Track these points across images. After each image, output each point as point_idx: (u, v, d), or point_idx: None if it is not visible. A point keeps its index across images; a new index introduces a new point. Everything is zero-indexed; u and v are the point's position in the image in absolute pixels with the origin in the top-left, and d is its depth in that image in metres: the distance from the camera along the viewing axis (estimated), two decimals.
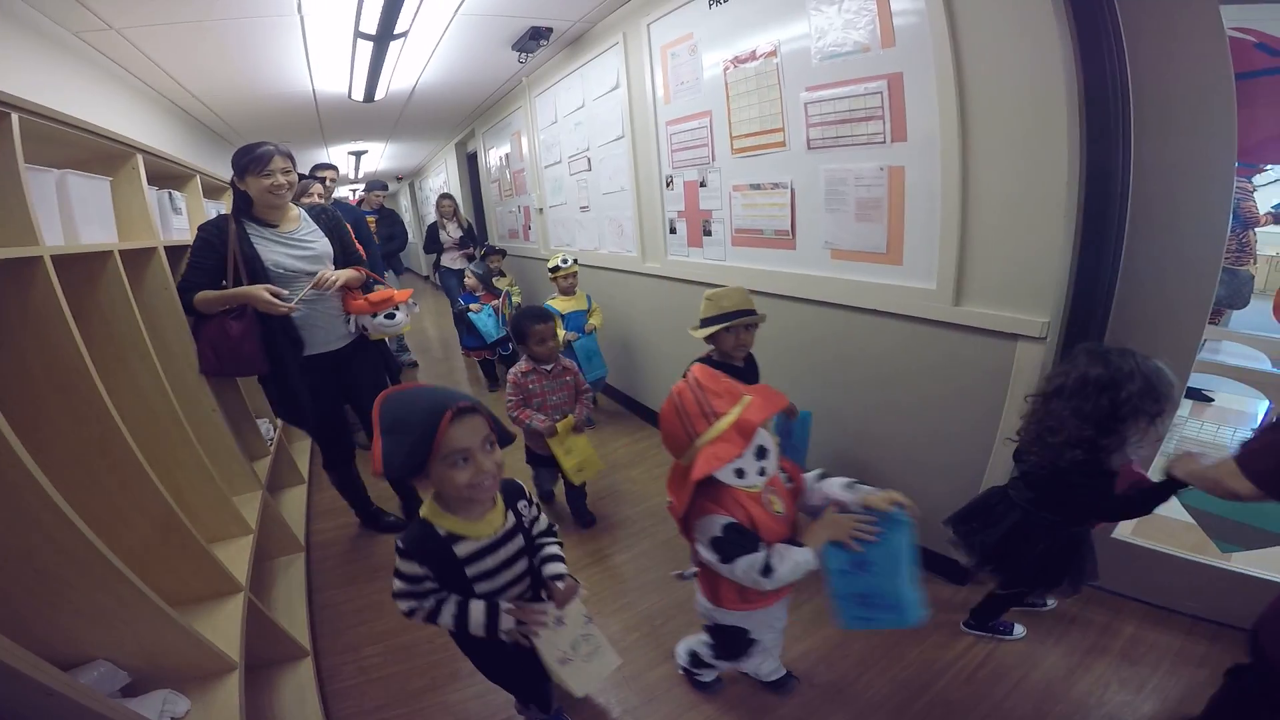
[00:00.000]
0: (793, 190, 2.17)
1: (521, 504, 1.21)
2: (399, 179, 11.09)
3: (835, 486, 1.20)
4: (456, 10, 2.74)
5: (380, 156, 7.65)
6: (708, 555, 1.16)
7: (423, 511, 1.10)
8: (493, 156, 5.61)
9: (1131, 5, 1.40)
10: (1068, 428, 1.28)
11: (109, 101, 2.71)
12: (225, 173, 2.44)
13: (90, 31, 2.35)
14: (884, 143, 1.80)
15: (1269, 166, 1.77)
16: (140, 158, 1.80)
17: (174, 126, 3.55)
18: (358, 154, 6.95)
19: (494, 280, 4.55)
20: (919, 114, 1.70)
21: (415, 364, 5.29)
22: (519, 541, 1.18)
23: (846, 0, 1.80)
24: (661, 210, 2.97)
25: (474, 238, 5.35)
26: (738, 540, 1.12)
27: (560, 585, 1.18)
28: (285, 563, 2.18)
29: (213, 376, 1.94)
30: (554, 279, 3.45)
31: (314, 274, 2.03)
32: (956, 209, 1.65)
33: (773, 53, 2.10)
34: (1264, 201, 1.86)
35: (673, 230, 2.94)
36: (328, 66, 3.35)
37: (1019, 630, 1.70)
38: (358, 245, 2.45)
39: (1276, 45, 1.48)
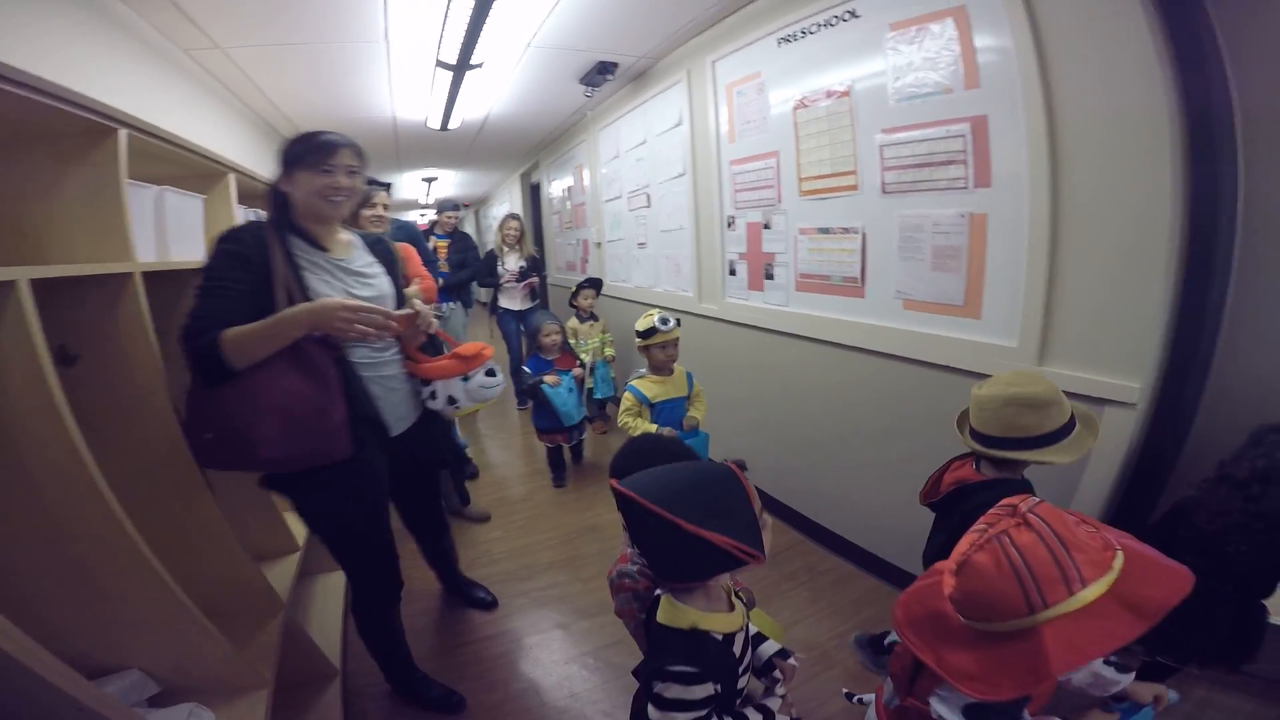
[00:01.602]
0: (864, 235, 2.14)
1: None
2: (465, 206, 11.58)
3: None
4: (529, 43, 2.89)
5: (451, 184, 8.06)
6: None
7: (677, 621, 0.95)
8: (555, 188, 5.79)
9: (1234, 27, 1.34)
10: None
11: (208, 118, 2.91)
12: None
13: (199, 49, 2.58)
14: (966, 188, 1.76)
15: None
16: (232, 177, 1.92)
17: (262, 145, 3.80)
18: (429, 180, 7.32)
19: (582, 325, 3.97)
20: (1005, 158, 1.66)
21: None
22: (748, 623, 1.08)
23: (928, 40, 1.79)
24: (721, 251, 2.98)
25: (539, 268, 4.57)
26: (1007, 711, 0.87)
27: (794, 663, 1.10)
28: (326, 579, 2.21)
29: (236, 469, 1.35)
30: (645, 348, 2.38)
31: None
32: (1044, 261, 1.58)
33: (845, 93, 2.10)
34: None
35: (733, 272, 2.94)
36: (408, 93, 3.57)
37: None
38: (422, 275, 2.42)
39: None
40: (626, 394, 2.33)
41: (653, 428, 2.24)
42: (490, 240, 4.95)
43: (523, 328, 4.34)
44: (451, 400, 1.67)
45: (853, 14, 2.03)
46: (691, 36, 2.90)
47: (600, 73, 3.32)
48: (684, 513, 0.85)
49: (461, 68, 3.00)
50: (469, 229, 12.29)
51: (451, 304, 4.18)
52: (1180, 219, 1.39)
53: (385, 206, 2.52)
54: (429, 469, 1.89)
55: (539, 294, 4.51)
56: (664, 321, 2.33)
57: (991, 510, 0.86)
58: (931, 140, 1.83)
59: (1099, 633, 0.74)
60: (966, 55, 1.71)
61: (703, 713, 0.91)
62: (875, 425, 2.21)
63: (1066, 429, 1.29)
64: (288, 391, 1.26)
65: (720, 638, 0.94)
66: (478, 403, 1.74)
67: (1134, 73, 1.36)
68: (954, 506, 1.43)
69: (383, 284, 1.56)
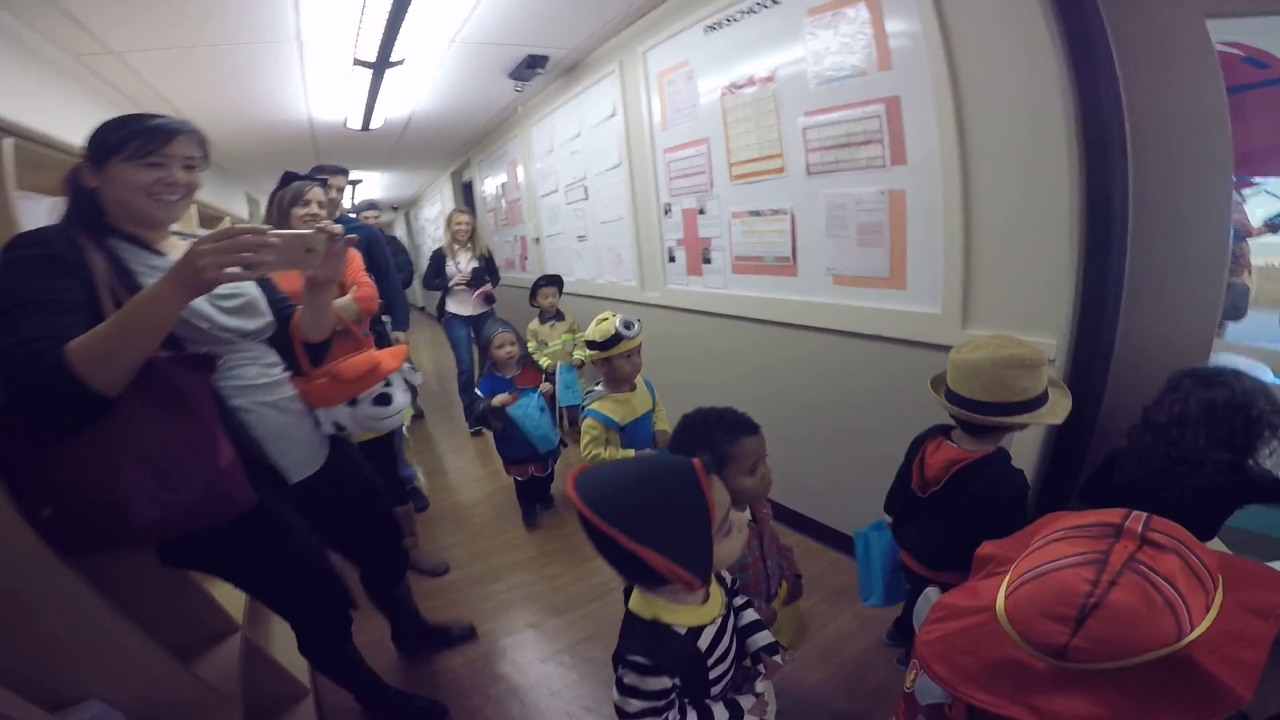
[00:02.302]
0: (793, 216, 2.24)
1: None
2: (395, 208, 11.30)
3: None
4: (453, 38, 2.86)
5: (376, 186, 7.85)
6: None
7: (643, 611, 0.94)
8: (489, 185, 5.75)
9: (1123, 25, 1.48)
10: (1209, 457, 1.27)
11: None
12: (218, 200, 2.48)
13: (90, 55, 2.46)
14: (884, 166, 1.87)
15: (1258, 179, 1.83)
16: None
17: None
18: (353, 183, 7.12)
19: (543, 326, 3.58)
20: (918, 137, 1.77)
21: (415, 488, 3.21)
22: (730, 615, 1.05)
23: (843, 24, 1.89)
24: (660, 238, 3.04)
25: (493, 271, 4.12)
26: None
27: (778, 660, 1.07)
28: None
29: (106, 548, 1.08)
30: (605, 360, 2.02)
31: (254, 333, 1.31)
32: (959, 231, 1.70)
33: (770, 78, 2.19)
34: (1254, 211, 1.92)
35: (672, 259, 3.01)
36: (325, 94, 3.49)
37: None
38: (361, 282, 2.22)
39: (1264, 58, 1.54)
40: (588, 421, 1.98)
41: (631, 455, 1.98)
42: (424, 244, 4.82)
43: (474, 335, 4.06)
44: (340, 427, 1.46)
45: (774, 0, 2.11)
46: (623, 27, 2.94)
47: (530, 66, 3.33)
48: (625, 522, 0.81)
49: (381, 66, 2.97)
50: (400, 230, 12.00)
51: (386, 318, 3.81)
52: (1080, 185, 1.51)
53: (323, 204, 2.16)
54: (368, 510, 1.64)
55: (494, 298, 4.16)
56: (628, 326, 1.96)
57: (1075, 529, 0.76)
58: (850, 121, 1.93)
59: (1243, 639, 0.67)
60: (879, 38, 1.80)
61: (659, 704, 0.90)
62: (818, 399, 2.32)
63: (1046, 393, 1.36)
64: (152, 434, 0.99)
65: (684, 631, 0.93)
66: (374, 429, 1.49)
67: (1032, 59, 1.48)
68: (959, 491, 1.42)
69: (248, 288, 1.33)
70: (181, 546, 1.17)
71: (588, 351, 2.03)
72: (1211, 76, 1.43)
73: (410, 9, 2.38)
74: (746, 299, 2.54)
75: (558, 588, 2.33)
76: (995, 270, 1.68)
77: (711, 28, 2.40)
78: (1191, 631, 0.65)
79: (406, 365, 1.61)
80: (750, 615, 1.11)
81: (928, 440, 1.55)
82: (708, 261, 2.74)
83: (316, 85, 3.33)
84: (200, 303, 1.17)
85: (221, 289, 1.10)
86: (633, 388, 2.08)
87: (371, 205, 4.15)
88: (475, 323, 4.04)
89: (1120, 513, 0.74)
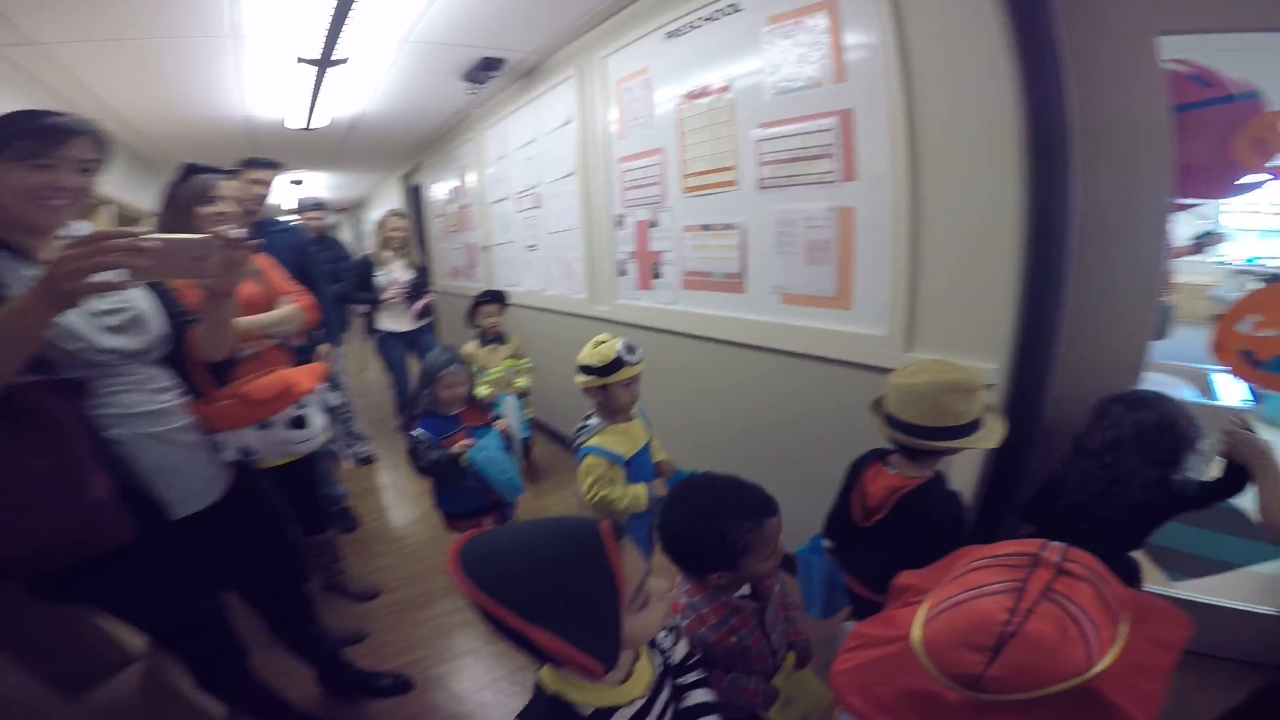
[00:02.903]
0: (743, 232, 2.25)
1: (662, 634, 1.02)
2: (340, 210, 11.04)
3: None
4: (404, 38, 2.82)
5: (320, 187, 7.67)
6: None
7: (548, 683, 0.85)
8: (438, 190, 5.67)
9: (1077, 39, 1.52)
10: (1140, 476, 1.37)
11: None
12: (143, 202, 2.36)
13: (11, 47, 2.36)
14: (835, 182, 1.90)
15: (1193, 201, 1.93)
16: None
17: None
18: (295, 182, 6.93)
19: (482, 350, 3.21)
20: (869, 152, 1.80)
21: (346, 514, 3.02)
22: (665, 688, 0.96)
23: (802, 33, 1.91)
24: (612, 251, 3.03)
25: (426, 283, 3.81)
26: None
27: None
28: None
29: None
30: (602, 388, 1.80)
31: (139, 354, 1.22)
32: (906, 252, 1.73)
33: (726, 88, 2.21)
34: (1179, 230, 2.04)
35: (623, 272, 3.00)
36: (263, 91, 3.39)
37: None
38: (290, 291, 2.01)
39: (1209, 77, 1.62)
40: (589, 460, 1.79)
41: (643, 491, 1.81)
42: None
43: (408, 353, 3.75)
44: (248, 452, 1.39)
45: (735, 7, 2.12)
46: (584, 31, 2.93)
47: (485, 69, 3.30)
48: (517, 599, 0.73)
49: (324, 63, 2.90)
50: (346, 235, 11.71)
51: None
52: (1024, 211, 1.55)
53: (242, 201, 1.94)
54: (266, 549, 1.53)
55: (430, 311, 3.83)
56: (630, 350, 1.81)
57: (993, 559, 0.77)
58: (804, 134, 1.96)
59: (1144, 671, 0.69)
60: (836, 49, 1.83)
61: None
62: (765, 420, 2.31)
63: (979, 418, 1.42)
64: (11, 466, 0.94)
65: (589, 712, 0.83)
66: (289, 454, 1.44)
67: (986, 75, 1.52)
68: (902, 517, 1.44)
69: (137, 300, 1.23)
70: (49, 580, 1.11)
71: (582, 378, 1.82)
72: (1158, 94, 1.50)
73: (356, 6, 2.34)
74: (696, 316, 2.54)
75: None
76: (940, 292, 1.72)
77: (673, 34, 2.41)
78: (1099, 663, 0.67)
79: (329, 383, 1.55)
80: (700, 696, 1.01)
81: (865, 467, 1.57)
82: (658, 276, 2.74)
83: (254, 82, 3.24)
84: (75, 319, 1.08)
85: (103, 303, 1.08)
86: (629, 418, 1.90)
87: (318, 205, 3.84)
88: (413, 340, 3.73)
89: (1038, 543, 0.75)
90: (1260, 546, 1.76)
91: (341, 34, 2.60)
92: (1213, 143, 1.57)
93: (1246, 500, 1.39)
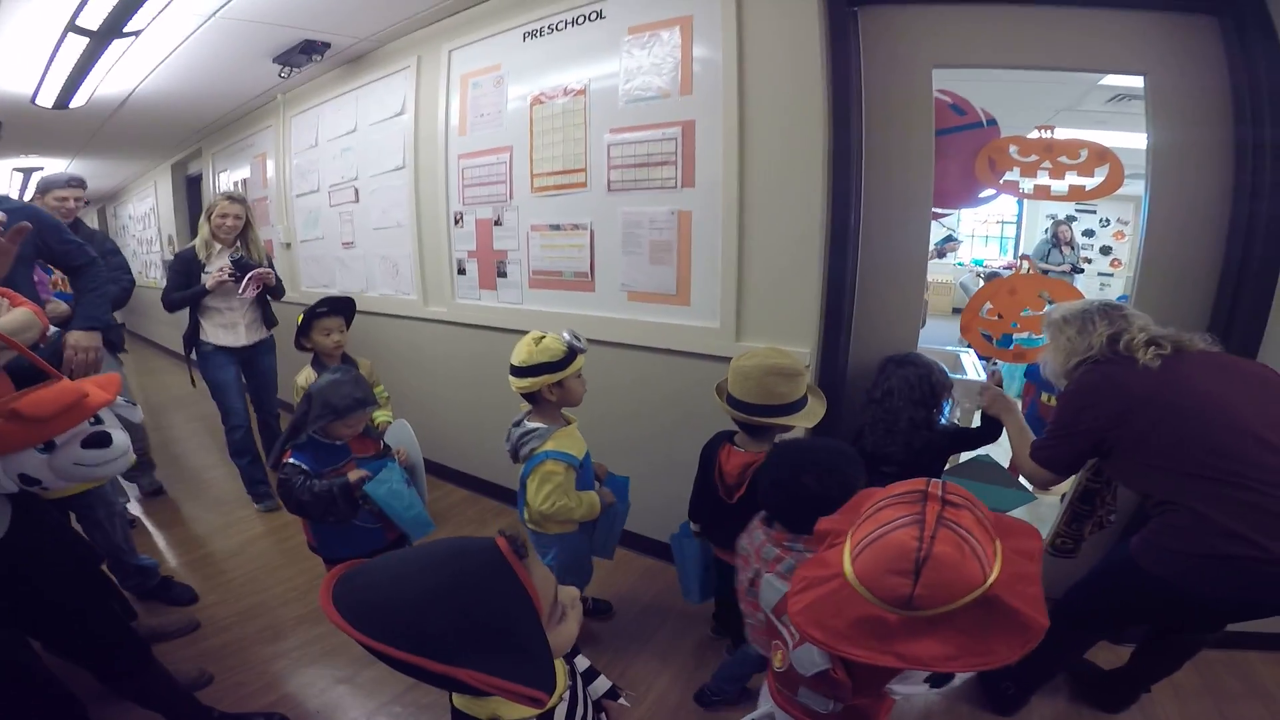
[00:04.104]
0: (592, 231, 2.52)
1: None
2: (85, 203, 9.49)
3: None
4: (215, 12, 2.69)
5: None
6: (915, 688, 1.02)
7: (475, 710, 0.84)
8: (224, 180, 5.25)
9: (871, 71, 1.99)
10: (909, 414, 1.89)
11: None
12: None
13: None
14: (675, 188, 2.25)
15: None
16: None
17: None
18: (27, 170, 5.90)
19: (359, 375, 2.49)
20: (706, 161, 2.16)
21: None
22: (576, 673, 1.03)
23: (657, 46, 2.23)
24: (449, 249, 3.13)
25: (276, 286, 3.07)
26: None
27: (625, 703, 1.12)
28: None
29: None
30: (557, 384, 1.83)
31: None
32: (734, 253, 2.12)
33: (582, 91, 2.46)
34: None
35: (461, 271, 3.10)
36: (12, 63, 3.01)
37: None
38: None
39: (964, 105, 2.20)
40: (548, 465, 1.80)
41: (596, 497, 1.89)
42: (128, 246, 3.55)
43: (244, 376, 3.16)
44: (31, 481, 1.19)
45: (599, 14, 2.37)
46: (431, 22, 2.98)
47: (305, 52, 3.24)
48: (427, 643, 0.68)
49: (108, 35, 2.65)
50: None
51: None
52: (828, 218, 2.00)
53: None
54: (75, 584, 1.41)
55: (271, 314, 3.17)
56: (577, 338, 1.84)
57: (892, 499, 0.96)
58: (650, 142, 2.28)
59: (1024, 579, 0.88)
60: (685, 63, 2.17)
61: None
62: (618, 411, 2.57)
63: (805, 399, 1.76)
64: None
65: None
66: (83, 483, 1.28)
67: (805, 99, 1.93)
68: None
69: None
70: None
71: (527, 380, 1.78)
72: (928, 120, 2.02)
73: None
74: (545, 314, 2.74)
75: None
76: (762, 288, 2.12)
77: (531, 34, 2.59)
78: (991, 574, 0.86)
79: (125, 399, 1.36)
80: (584, 663, 1.08)
81: (718, 449, 1.87)
82: (503, 275, 2.90)
83: (3, 51, 2.88)
84: None
85: None
86: (568, 420, 1.94)
87: (74, 182, 3.01)
88: (250, 360, 3.13)
89: (922, 481, 0.96)
90: (1018, 494, 2.14)
91: (144, 3, 2.42)
92: (961, 162, 2.12)
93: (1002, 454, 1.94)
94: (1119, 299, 1.87)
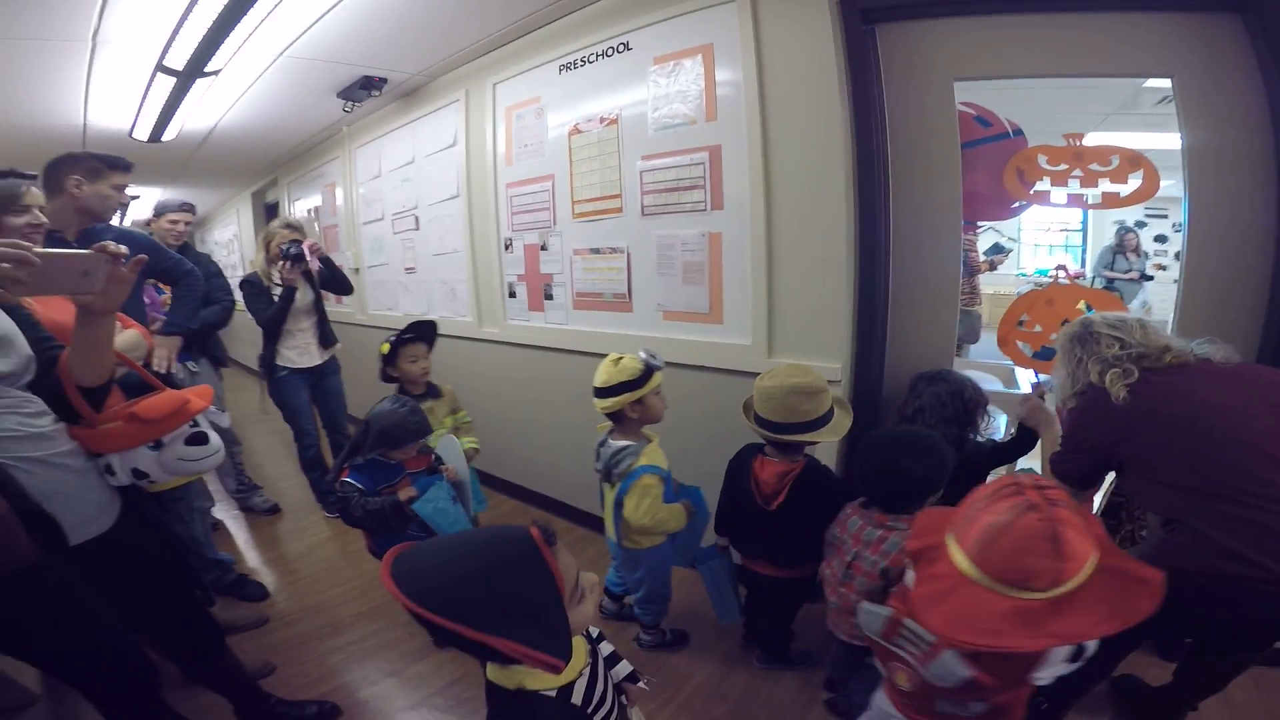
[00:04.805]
0: (629, 255, 2.69)
1: None
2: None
3: None
4: (282, 52, 3.01)
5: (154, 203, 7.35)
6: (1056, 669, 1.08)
7: (504, 681, 0.98)
8: (299, 208, 5.73)
9: (892, 84, 2.08)
10: (942, 432, 1.85)
11: None
12: None
13: None
14: (705, 210, 2.39)
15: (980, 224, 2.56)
16: None
17: None
18: (131, 198, 6.61)
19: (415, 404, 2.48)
20: (733, 184, 2.30)
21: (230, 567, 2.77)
22: (598, 655, 1.15)
23: (681, 74, 2.38)
24: (500, 273, 3.37)
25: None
26: None
27: (644, 686, 1.23)
28: None
29: None
30: (638, 401, 1.98)
31: (7, 376, 1.24)
32: (764, 271, 2.24)
33: (614, 120, 2.65)
34: (984, 250, 2.69)
35: (512, 294, 3.34)
36: (111, 100, 3.41)
37: None
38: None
39: (989, 118, 2.25)
40: (646, 479, 1.94)
41: (681, 509, 2.03)
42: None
43: (312, 395, 3.38)
44: (140, 474, 1.40)
45: (626, 46, 2.56)
46: (475, 57, 3.24)
47: (364, 87, 3.53)
48: (466, 612, 0.83)
49: (191, 74, 2.98)
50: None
51: (194, 363, 3.06)
52: (855, 232, 2.10)
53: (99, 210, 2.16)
54: (164, 576, 1.60)
55: (329, 333, 3.37)
56: (653, 356, 1.99)
57: (986, 500, 1.05)
58: (680, 167, 2.44)
59: (1112, 551, 1.01)
60: (709, 90, 2.31)
61: None
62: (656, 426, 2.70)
63: (831, 413, 1.86)
64: None
65: (554, 693, 0.98)
66: (183, 476, 1.49)
67: (826, 116, 2.03)
68: (799, 497, 1.86)
69: (2, 321, 1.26)
70: None
71: (610, 400, 1.95)
72: (952, 132, 2.09)
73: (243, 19, 2.46)
74: (588, 334, 2.93)
75: (413, 634, 2.34)
76: (792, 305, 2.23)
77: (567, 66, 2.81)
78: (1094, 546, 0.98)
79: (212, 407, 1.59)
80: (608, 648, 1.22)
81: (751, 460, 1.99)
82: (549, 297, 3.11)
83: (103, 90, 3.27)
84: None
85: None
86: (649, 437, 2.10)
87: (186, 207, 3.28)
88: (319, 379, 3.37)
89: (1009, 477, 1.07)
90: None
91: (221, 45, 2.74)
92: (990, 173, 2.17)
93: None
94: None
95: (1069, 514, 0.98)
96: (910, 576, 1.19)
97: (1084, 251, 6.99)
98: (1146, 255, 5.62)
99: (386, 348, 2.62)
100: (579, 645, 1.06)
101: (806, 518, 1.87)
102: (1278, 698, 1.87)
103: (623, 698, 1.18)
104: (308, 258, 3.08)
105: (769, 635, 2.12)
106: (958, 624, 0.99)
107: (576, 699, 1.01)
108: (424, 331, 2.70)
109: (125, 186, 2.36)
